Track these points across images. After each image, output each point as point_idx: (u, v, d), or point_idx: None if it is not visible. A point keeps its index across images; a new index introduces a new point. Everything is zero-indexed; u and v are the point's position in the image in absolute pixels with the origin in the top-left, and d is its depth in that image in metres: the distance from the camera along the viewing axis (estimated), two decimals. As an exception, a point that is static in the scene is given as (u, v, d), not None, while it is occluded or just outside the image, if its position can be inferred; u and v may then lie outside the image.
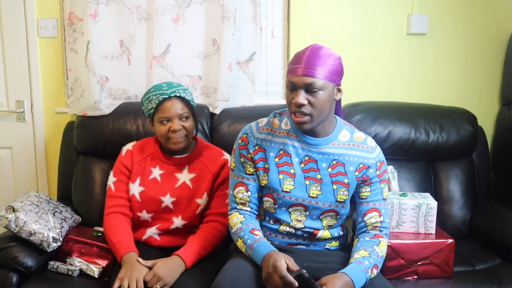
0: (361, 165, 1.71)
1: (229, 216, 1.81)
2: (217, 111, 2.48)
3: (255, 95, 2.58)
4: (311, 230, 1.76)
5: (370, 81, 2.67)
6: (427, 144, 2.44)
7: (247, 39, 2.53)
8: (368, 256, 1.63)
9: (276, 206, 1.76)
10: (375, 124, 2.43)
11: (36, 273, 1.93)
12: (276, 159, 1.73)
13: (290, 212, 1.75)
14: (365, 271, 1.59)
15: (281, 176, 1.73)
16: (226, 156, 2.06)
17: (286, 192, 1.73)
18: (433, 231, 2.07)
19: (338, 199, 1.72)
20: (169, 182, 2.00)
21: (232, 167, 1.83)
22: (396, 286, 1.94)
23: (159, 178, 2.00)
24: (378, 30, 2.63)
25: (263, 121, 1.80)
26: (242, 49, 2.54)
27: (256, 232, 1.71)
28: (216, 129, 2.43)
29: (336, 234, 1.80)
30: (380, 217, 1.73)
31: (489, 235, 2.29)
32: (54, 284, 1.89)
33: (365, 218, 1.74)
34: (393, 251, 1.96)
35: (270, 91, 2.66)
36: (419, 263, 1.98)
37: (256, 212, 1.81)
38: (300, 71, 1.58)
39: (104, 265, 1.98)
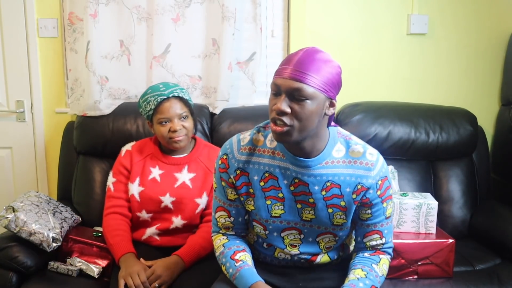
0: (359, 186, 1.47)
1: (212, 237, 1.65)
2: (217, 111, 2.48)
3: (255, 95, 2.58)
4: (309, 257, 1.59)
5: (370, 81, 2.67)
6: (427, 144, 2.44)
7: (247, 39, 2.53)
8: (364, 277, 1.47)
9: (267, 232, 1.57)
10: (375, 124, 2.43)
11: (36, 273, 1.93)
12: (261, 183, 1.51)
13: (283, 237, 1.56)
14: None
15: (268, 202, 1.52)
16: None
17: (276, 217, 1.52)
18: (433, 231, 2.07)
19: (335, 223, 1.52)
20: (169, 182, 2.00)
21: (214, 188, 1.63)
22: (396, 286, 1.95)
23: (158, 178, 2.00)
24: (378, 30, 2.63)
25: (245, 138, 1.55)
26: (242, 49, 2.54)
27: (237, 256, 1.54)
28: (216, 129, 2.43)
29: (335, 257, 1.63)
30: (381, 239, 1.54)
31: (489, 235, 2.29)
32: (54, 284, 1.89)
33: (364, 240, 1.55)
34: (393, 251, 1.96)
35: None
36: (419, 263, 1.98)
37: (242, 233, 1.64)
38: (288, 74, 1.34)
39: (104, 265, 1.98)
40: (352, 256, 1.61)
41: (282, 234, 1.56)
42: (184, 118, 1.95)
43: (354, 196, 1.48)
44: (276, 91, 1.38)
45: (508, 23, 2.67)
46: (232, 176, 1.54)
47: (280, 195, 1.51)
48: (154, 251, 1.97)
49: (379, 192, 1.49)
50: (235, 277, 1.51)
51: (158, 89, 1.94)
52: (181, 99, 1.95)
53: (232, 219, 1.59)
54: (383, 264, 1.54)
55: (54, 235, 1.93)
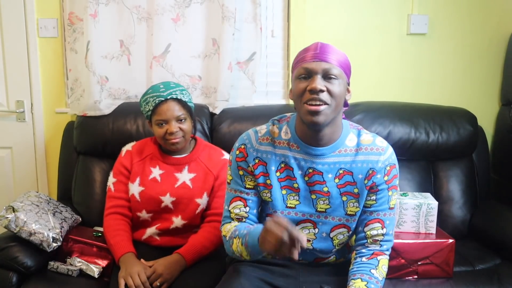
0: (370, 171, 1.53)
1: (221, 228, 1.64)
2: (217, 111, 2.48)
3: (255, 95, 2.58)
4: (319, 255, 1.63)
5: (370, 81, 2.67)
6: (427, 144, 2.44)
7: (247, 39, 2.53)
8: (364, 287, 1.49)
9: None
10: (375, 124, 2.43)
11: (36, 273, 1.93)
12: (278, 173, 1.57)
13: None
14: None
15: (284, 192, 1.57)
16: (226, 156, 2.06)
17: (291, 208, 1.57)
18: (433, 231, 2.07)
19: (348, 212, 1.56)
20: (169, 182, 2.00)
21: (228, 181, 1.64)
22: (396, 286, 1.95)
23: (159, 178, 2.00)
24: (378, 30, 2.63)
25: (262, 130, 1.61)
26: (242, 49, 2.53)
27: (250, 227, 1.54)
28: (216, 129, 2.43)
29: (340, 258, 1.68)
30: (382, 229, 1.56)
31: (489, 235, 2.29)
32: (54, 284, 1.89)
33: (365, 229, 1.57)
34: (393, 251, 1.95)
35: (270, 91, 2.66)
36: (419, 263, 1.98)
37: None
38: (317, 56, 1.45)
39: (104, 265, 1.98)
40: (352, 256, 1.62)
41: (297, 228, 1.54)
42: (182, 120, 1.94)
43: (366, 181, 1.54)
44: (307, 75, 1.46)
45: (508, 23, 2.67)
46: (251, 165, 1.58)
47: (295, 185, 1.56)
48: (154, 251, 1.97)
49: (386, 178, 1.55)
50: (248, 236, 1.47)
51: (157, 89, 1.94)
52: (179, 101, 1.94)
53: (247, 208, 1.60)
54: (382, 266, 1.55)
55: (54, 235, 1.93)
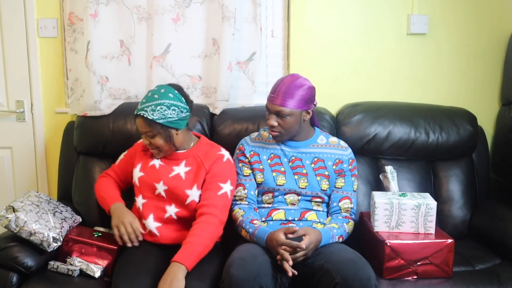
0: (337, 160, 2.11)
1: (233, 213, 2.07)
2: (217, 111, 2.49)
3: (255, 95, 2.58)
4: (303, 210, 2.08)
5: (370, 81, 2.67)
6: (427, 144, 2.44)
7: (247, 39, 2.53)
8: (337, 228, 2.01)
9: (274, 195, 2.10)
10: (375, 124, 2.43)
11: (36, 273, 1.93)
12: (269, 161, 2.11)
13: (285, 198, 2.10)
14: (331, 237, 1.97)
15: (274, 174, 2.09)
16: (223, 152, 2.11)
17: (280, 185, 2.08)
18: (432, 231, 2.07)
19: (322, 188, 2.09)
20: (165, 171, 2.05)
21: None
22: (396, 286, 1.95)
23: (157, 166, 2.06)
24: (378, 30, 2.63)
25: (254, 134, 2.20)
26: (242, 49, 2.54)
27: (255, 222, 2.00)
28: (216, 129, 2.43)
29: (321, 220, 2.09)
30: (351, 204, 2.11)
31: (489, 235, 2.29)
32: (54, 284, 1.89)
33: (340, 204, 2.10)
34: (392, 251, 1.96)
35: (270, 91, 2.66)
36: (418, 263, 1.98)
37: (253, 205, 2.11)
38: (272, 100, 1.99)
39: (104, 265, 1.98)
40: (326, 221, 2.08)
41: (285, 196, 2.10)
42: (151, 137, 1.97)
43: (334, 167, 2.11)
44: (268, 111, 2.03)
45: (508, 23, 2.67)
46: (248, 155, 2.13)
47: (282, 169, 2.09)
48: (156, 249, 2.00)
49: (350, 167, 2.13)
50: (254, 235, 1.95)
51: (142, 99, 1.98)
52: (145, 119, 1.93)
53: (246, 191, 2.10)
54: (350, 225, 2.07)
55: (54, 235, 1.93)
